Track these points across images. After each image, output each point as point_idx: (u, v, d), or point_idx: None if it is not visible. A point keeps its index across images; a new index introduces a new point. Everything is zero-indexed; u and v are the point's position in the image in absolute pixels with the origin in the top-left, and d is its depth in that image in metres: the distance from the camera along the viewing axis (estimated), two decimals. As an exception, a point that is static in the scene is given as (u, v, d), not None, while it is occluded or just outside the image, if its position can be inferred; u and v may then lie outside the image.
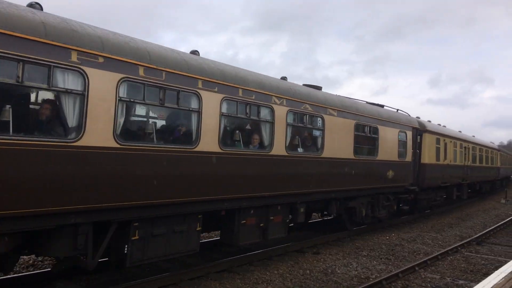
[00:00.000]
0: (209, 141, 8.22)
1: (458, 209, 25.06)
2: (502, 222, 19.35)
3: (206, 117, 8.15)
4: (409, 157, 16.53)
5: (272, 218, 10.30)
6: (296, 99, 10.66)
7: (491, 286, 7.16)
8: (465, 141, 24.78)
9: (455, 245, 13.62)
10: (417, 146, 17.72)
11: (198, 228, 8.45)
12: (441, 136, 20.27)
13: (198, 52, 9.15)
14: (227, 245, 10.42)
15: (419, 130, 18.11)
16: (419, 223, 18.67)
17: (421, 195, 18.88)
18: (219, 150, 8.46)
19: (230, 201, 8.92)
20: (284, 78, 11.63)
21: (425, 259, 11.48)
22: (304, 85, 12.58)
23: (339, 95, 13.35)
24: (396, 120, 15.68)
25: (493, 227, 17.89)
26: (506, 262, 10.28)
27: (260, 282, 8.98)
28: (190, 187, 7.88)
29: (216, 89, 8.40)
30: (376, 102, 16.33)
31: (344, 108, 12.60)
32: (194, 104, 8.00)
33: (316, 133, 11.52)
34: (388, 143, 15.00)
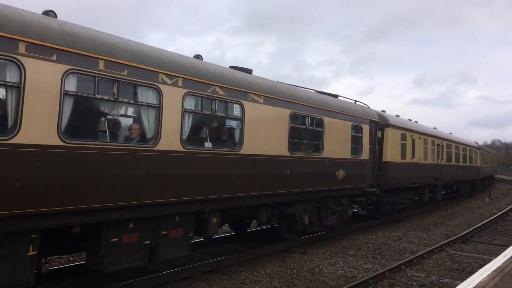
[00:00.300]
0: (40, 130, 5.77)
1: (443, 208, 24.55)
2: (486, 221, 19.13)
3: (34, 96, 5.70)
4: (365, 155, 14.23)
5: (165, 232, 7.87)
6: (200, 80, 8.25)
7: (476, 284, 6.99)
8: (438, 137, 22.58)
9: (441, 244, 13.48)
10: (377, 142, 15.44)
11: (31, 253, 5.98)
12: (407, 132, 18.02)
13: (54, 12, 6.70)
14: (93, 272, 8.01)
15: (380, 124, 15.83)
16: (405, 222, 18.45)
17: (384, 198, 16.61)
18: (61, 144, 6.00)
19: (87, 213, 6.48)
20: (198, 57, 9.25)
21: (411, 257, 11.35)
22: (230, 67, 10.24)
23: (272, 80, 10.98)
24: (349, 112, 13.37)
25: (477, 225, 17.65)
26: (490, 260, 10.07)
27: (248, 282, 8.82)
28: (4, 195, 5.44)
29: (54, 57, 5.96)
30: (331, 93, 14.03)
31: (275, 94, 10.23)
32: (11, 77, 5.54)
33: (232, 123, 9.13)
34: (338, 138, 12.67)
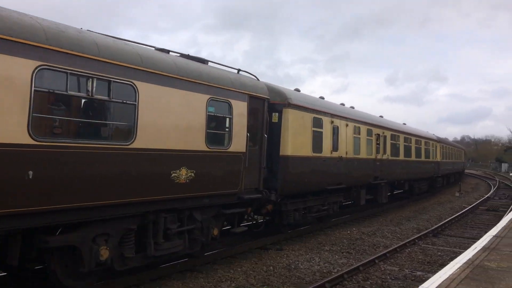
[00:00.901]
0: None
1: (414, 203, 24.23)
2: (456, 215, 19.04)
3: None
4: (240, 145, 9.34)
5: None
6: None
7: (447, 276, 6.91)
8: (377, 126, 17.74)
9: (413, 238, 13.38)
10: (268, 128, 10.57)
11: None
12: (324, 116, 13.13)
13: None
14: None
15: (275, 103, 10.99)
16: (378, 217, 18.19)
17: (287, 205, 11.73)
18: None
19: None
20: None
21: (384, 252, 11.26)
22: None
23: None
24: (202, 79, 8.43)
25: (448, 219, 17.56)
26: (461, 253, 9.87)
27: (224, 280, 8.54)
28: None
29: None
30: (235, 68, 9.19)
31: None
32: None
33: None
34: (175, 118, 7.74)
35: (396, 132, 20.15)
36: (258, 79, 10.81)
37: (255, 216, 11.78)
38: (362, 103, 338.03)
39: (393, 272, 9.71)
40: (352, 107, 17.62)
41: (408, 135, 22.37)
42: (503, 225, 12.43)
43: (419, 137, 24.69)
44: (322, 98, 15.05)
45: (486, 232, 12.52)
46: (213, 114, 8.67)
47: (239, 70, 10.44)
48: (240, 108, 9.36)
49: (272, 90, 11.05)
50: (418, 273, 9.75)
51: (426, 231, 14.60)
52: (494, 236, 10.66)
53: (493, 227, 12.71)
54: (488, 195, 30.59)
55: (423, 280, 8.52)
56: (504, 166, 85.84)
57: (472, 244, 10.19)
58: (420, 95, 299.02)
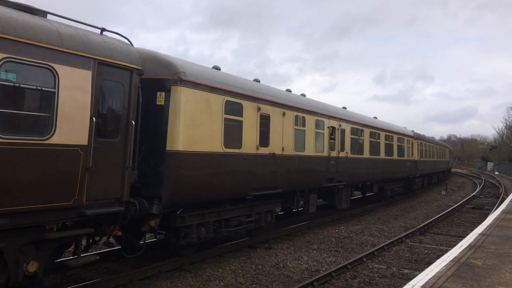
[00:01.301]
0: None
1: (401, 201, 24.03)
2: (443, 213, 18.89)
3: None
4: (75, 135, 6.06)
5: None
6: None
7: (434, 274, 6.91)
8: (331, 117, 14.50)
9: (400, 236, 13.24)
10: (139, 112, 7.27)
11: None
12: (245, 100, 9.76)
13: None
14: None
15: (162, 79, 7.77)
16: (366, 215, 18.02)
17: (186, 219, 8.39)
18: None
19: None
20: None
21: (372, 250, 11.14)
22: None
23: None
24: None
25: (434, 217, 17.43)
26: (447, 250, 9.81)
27: (213, 279, 8.35)
28: None
29: None
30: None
31: None
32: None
33: None
34: None
35: (358, 126, 16.91)
36: (131, 44, 7.54)
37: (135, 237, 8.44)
38: (351, 102, 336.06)
39: (381, 270, 9.66)
40: (303, 95, 14.40)
41: (376, 130, 19.14)
42: (488, 223, 12.28)
43: (390, 132, 21.46)
44: (257, 81, 11.81)
45: (472, 230, 12.31)
46: (12, 84, 5.39)
47: (103, 29, 7.21)
48: (76, 79, 6.09)
49: (152, 59, 7.82)
50: (405, 271, 9.70)
51: (413, 230, 14.52)
52: (479, 234, 10.57)
53: (479, 225, 12.45)
54: (474, 193, 29.98)
55: (410, 278, 8.39)
56: (490, 165, 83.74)
57: (458, 242, 10.07)
58: (407, 94, 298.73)
